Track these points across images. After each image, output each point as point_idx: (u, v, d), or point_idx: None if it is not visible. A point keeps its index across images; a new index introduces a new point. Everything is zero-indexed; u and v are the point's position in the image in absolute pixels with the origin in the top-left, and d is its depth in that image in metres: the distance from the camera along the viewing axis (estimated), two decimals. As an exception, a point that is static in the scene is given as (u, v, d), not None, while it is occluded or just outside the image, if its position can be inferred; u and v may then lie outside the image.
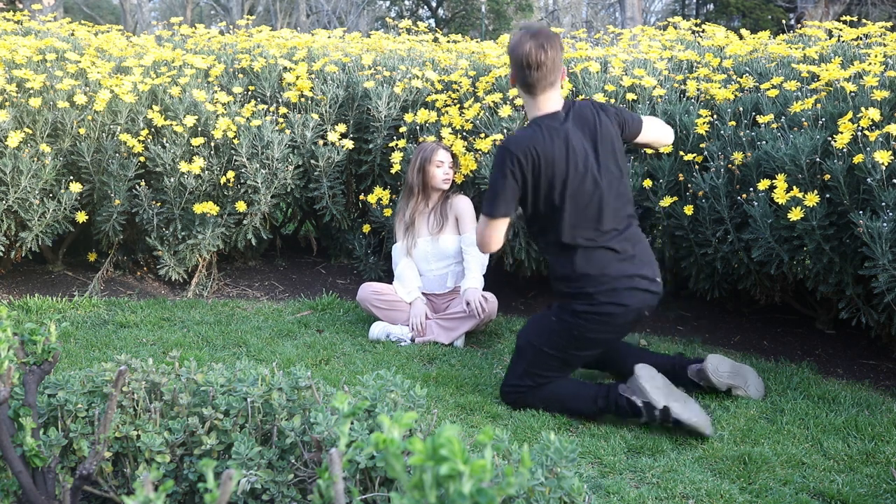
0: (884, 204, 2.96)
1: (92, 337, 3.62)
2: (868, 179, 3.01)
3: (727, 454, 2.61)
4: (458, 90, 4.49)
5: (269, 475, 1.65)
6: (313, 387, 1.77)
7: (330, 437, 1.60)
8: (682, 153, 3.69)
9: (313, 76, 4.68)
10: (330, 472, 1.00)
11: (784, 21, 19.63)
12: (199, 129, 4.26)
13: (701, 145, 3.67)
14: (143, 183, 4.18)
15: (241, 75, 4.78)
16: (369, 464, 1.54)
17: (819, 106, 3.37)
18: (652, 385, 2.77)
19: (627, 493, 2.32)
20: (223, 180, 4.13)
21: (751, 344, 3.76)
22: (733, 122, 3.65)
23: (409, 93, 4.50)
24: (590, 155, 2.81)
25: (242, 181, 4.20)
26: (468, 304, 3.65)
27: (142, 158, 4.22)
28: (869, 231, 2.95)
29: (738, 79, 3.95)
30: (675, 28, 5.18)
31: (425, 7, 27.89)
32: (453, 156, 3.93)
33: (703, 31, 5.02)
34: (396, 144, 4.26)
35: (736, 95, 3.80)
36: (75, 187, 4.09)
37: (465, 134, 4.15)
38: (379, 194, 4.28)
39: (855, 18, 5.05)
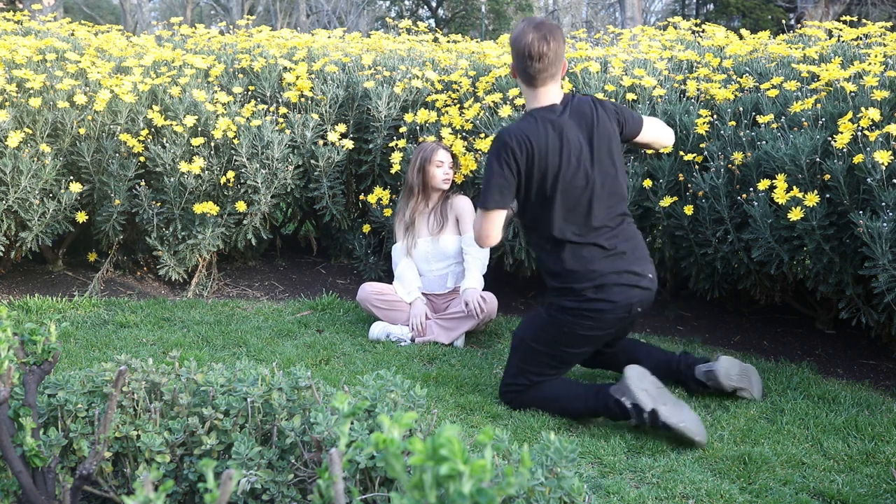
0: (884, 204, 2.96)
1: (92, 337, 3.62)
2: (868, 179, 3.01)
3: (727, 454, 2.61)
4: (458, 90, 4.49)
5: (269, 475, 1.65)
6: (313, 387, 1.77)
7: (330, 437, 1.60)
8: (682, 153, 3.69)
9: (313, 76, 4.68)
10: (330, 472, 1.00)
11: (784, 21, 19.64)
12: (199, 129, 4.26)
13: (701, 145, 3.67)
14: (143, 183, 4.18)
15: (241, 75, 4.78)
16: (369, 464, 1.54)
17: (819, 106, 3.37)
18: (639, 387, 2.70)
19: (627, 493, 2.32)
20: (223, 180, 4.13)
21: (751, 344, 3.76)
22: (733, 122, 3.65)
23: (409, 93, 4.50)
24: (584, 150, 2.80)
25: (242, 181, 4.20)
26: (467, 304, 3.65)
27: (142, 158, 4.22)
28: (869, 231, 2.95)
29: (738, 79, 3.95)
30: (675, 28, 5.18)
31: (425, 7, 27.89)
32: (453, 156, 3.93)
33: (703, 31, 5.02)
34: (396, 144, 4.26)
35: (736, 95, 3.80)
36: (75, 187, 4.09)
37: (465, 134, 4.15)
38: (379, 194, 4.28)
39: (855, 18, 5.05)
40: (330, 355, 3.46)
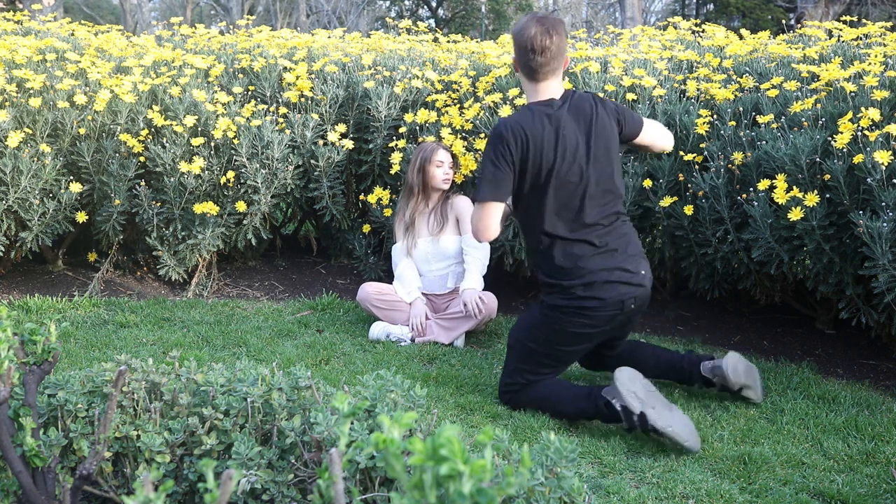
0: (884, 204, 2.96)
1: (92, 337, 3.62)
2: (868, 179, 3.02)
3: (727, 454, 2.61)
4: (458, 90, 4.50)
5: (269, 475, 1.65)
6: (313, 387, 1.77)
7: (330, 437, 1.60)
8: (682, 153, 3.69)
9: (313, 76, 4.68)
10: (330, 472, 1.00)
11: (784, 21, 19.64)
12: (199, 129, 4.26)
13: (701, 145, 3.67)
14: (143, 183, 4.18)
15: (241, 75, 4.78)
16: (369, 464, 1.54)
17: (819, 106, 3.37)
18: (629, 389, 2.66)
19: (627, 493, 2.32)
20: (223, 180, 4.13)
21: (751, 344, 3.76)
22: (733, 122, 3.65)
23: (409, 93, 4.50)
24: (581, 146, 2.78)
25: (242, 181, 4.20)
26: (465, 305, 3.66)
27: (142, 158, 4.22)
28: (869, 231, 2.95)
29: (738, 79, 3.95)
30: (675, 28, 5.18)
31: (425, 7, 27.89)
32: (453, 156, 3.93)
33: (703, 31, 5.02)
34: (396, 145, 4.26)
35: (736, 95, 3.80)
36: (75, 187, 4.09)
37: (465, 134, 4.15)
38: (379, 194, 4.28)
39: (855, 18, 5.05)
40: (330, 355, 3.46)
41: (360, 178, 4.70)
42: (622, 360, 2.99)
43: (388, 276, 4.32)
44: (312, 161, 4.38)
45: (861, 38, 4.19)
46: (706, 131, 3.67)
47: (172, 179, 4.12)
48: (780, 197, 3.14)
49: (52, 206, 4.07)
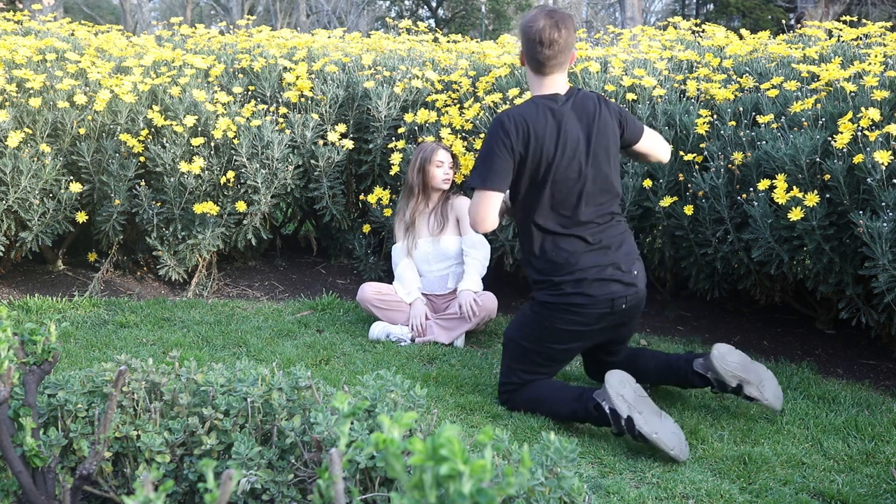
0: (884, 204, 2.96)
1: (92, 337, 3.62)
2: (868, 179, 3.02)
3: (727, 454, 2.61)
4: (458, 90, 4.50)
5: (269, 475, 1.65)
6: (313, 387, 1.77)
7: (330, 437, 1.60)
8: (682, 153, 3.69)
9: (313, 76, 4.68)
10: (330, 472, 1.00)
11: (784, 21, 19.64)
12: (199, 129, 4.26)
13: (701, 145, 3.67)
14: (143, 183, 4.18)
15: (241, 75, 4.78)
16: (369, 464, 1.54)
17: (819, 106, 3.37)
18: (617, 392, 2.62)
19: (627, 493, 2.32)
20: (223, 180, 4.14)
21: (751, 344, 3.76)
22: (733, 122, 3.65)
23: (409, 93, 4.50)
24: (581, 143, 2.77)
25: (242, 181, 4.20)
26: (459, 307, 3.66)
27: (142, 158, 4.22)
28: (869, 231, 2.95)
29: (738, 79, 3.96)
30: (675, 28, 5.18)
31: (425, 7, 27.89)
32: (453, 156, 3.93)
33: (703, 31, 5.02)
34: (396, 145, 4.26)
35: (736, 95, 3.80)
36: (75, 187, 4.09)
37: (465, 134, 4.15)
38: (379, 194, 4.28)
39: (855, 18, 5.05)
40: (330, 355, 3.46)
41: (360, 178, 4.70)
42: (623, 367, 2.93)
43: (388, 276, 4.32)
44: (312, 161, 4.38)
45: (861, 38, 4.19)
46: (706, 131, 3.67)
47: (172, 179, 4.12)
48: (780, 197, 3.14)
49: (52, 206, 4.07)
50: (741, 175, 3.48)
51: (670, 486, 2.38)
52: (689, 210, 3.56)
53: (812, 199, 3.10)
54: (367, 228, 4.54)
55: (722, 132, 3.61)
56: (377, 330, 3.75)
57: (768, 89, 3.64)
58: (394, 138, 4.40)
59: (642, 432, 2.54)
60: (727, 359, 2.79)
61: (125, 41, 5.23)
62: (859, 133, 3.10)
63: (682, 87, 4.08)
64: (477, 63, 4.80)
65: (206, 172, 4.14)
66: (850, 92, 3.36)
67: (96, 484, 1.72)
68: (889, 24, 4.27)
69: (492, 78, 4.35)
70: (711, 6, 25.84)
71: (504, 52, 4.97)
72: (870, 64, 3.49)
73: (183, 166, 4.02)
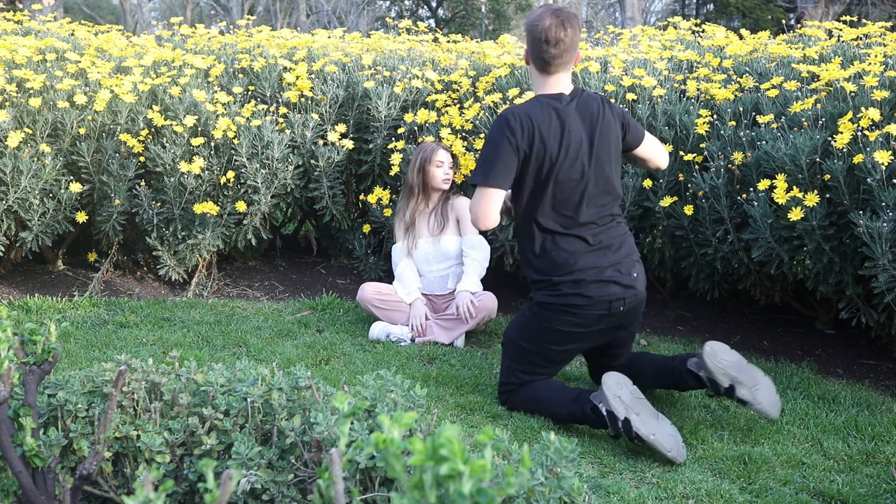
0: (884, 204, 2.96)
1: (92, 337, 3.62)
2: (868, 179, 3.02)
3: (727, 454, 2.61)
4: (458, 90, 4.50)
5: (269, 475, 1.65)
6: (313, 387, 1.77)
7: (330, 437, 1.60)
8: (682, 153, 3.69)
9: (313, 76, 4.68)
10: (330, 472, 1.00)
11: (784, 21, 19.64)
12: (199, 129, 4.26)
13: (701, 145, 3.67)
14: (143, 183, 4.18)
15: (241, 75, 4.79)
16: (369, 464, 1.54)
17: (819, 106, 3.37)
18: (615, 394, 2.61)
19: (627, 493, 2.32)
20: (223, 180, 4.14)
21: (751, 344, 3.76)
22: (733, 122, 3.65)
23: (409, 93, 4.50)
24: (584, 144, 2.77)
25: (242, 181, 4.20)
26: (457, 308, 3.66)
27: (142, 158, 4.22)
28: (869, 231, 2.95)
29: (738, 79, 3.96)
30: (675, 28, 5.18)
31: (425, 7, 27.89)
32: (453, 156, 3.93)
33: (703, 31, 5.02)
34: (396, 146, 4.26)
35: (736, 95, 3.80)
36: (75, 187, 4.09)
37: (465, 134, 4.15)
38: (379, 194, 4.28)
39: (855, 18, 5.05)
40: (330, 355, 3.46)
41: (360, 178, 4.70)
42: (624, 370, 2.91)
43: (388, 276, 4.33)
44: (312, 161, 4.38)
45: (861, 38, 4.19)
46: (706, 131, 3.67)
47: (172, 179, 4.12)
48: (780, 197, 3.14)
49: (52, 206, 4.07)
50: (741, 175, 3.48)
51: (670, 486, 2.38)
52: (689, 210, 3.56)
53: (812, 199, 3.10)
54: (367, 228, 4.54)
55: (722, 132, 3.61)
56: (377, 330, 3.75)
57: (768, 89, 3.64)
58: (394, 138, 4.40)
59: (639, 434, 2.53)
60: (719, 356, 2.74)
61: (125, 41, 5.23)
62: (859, 133, 3.10)
63: (682, 87, 4.08)
64: (477, 63, 4.80)
65: (206, 172, 4.14)
66: (850, 92, 3.36)
67: (96, 484, 1.72)
68: (889, 24, 4.27)
69: (492, 78, 4.35)
70: (711, 6, 25.84)
71: (504, 52, 4.97)
72: (870, 64, 3.49)
73: (183, 166, 4.02)
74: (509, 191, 2.85)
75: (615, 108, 2.88)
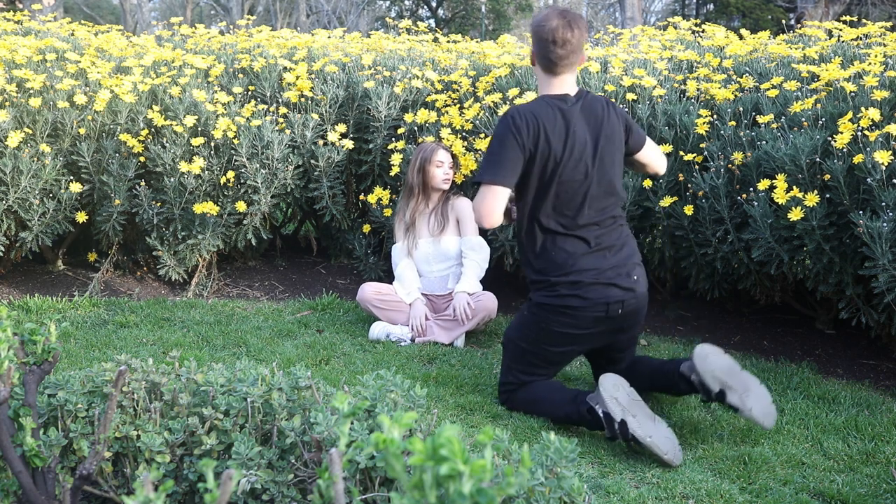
0: (884, 204, 2.96)
1: (92, 337, 3.62)
2: (868, 179, 3.02)
3: (727, 454, 2.61)
4: (458, 90, 4.50)
5: (269, 475, 1.65)
6: (313, 387, 1.77)
7: (330, 437, 1.60)
8: (682, 153, 3.69)
9: (313, 76, 4.68)
10: (330, 472, 1.00)
11: (784, 21, 19.64)
12: (199, 129, 4.26)
13: (701, 145, 3.67)
14: (143, 183, 4.18)
15: (241, 75, 4.79)
16: (369, 464, 1.54)
17: (819, 106, 3.37)
18: (611, 395, 2.60)
19: (627, 493, 2.32)
20: (223, 180, 4.14)
21: (751, 344, 3.76)
22: (733, 122, 3.65)
23: (409, 93, 4.50)
24: (588, 145, 2.77)
25: (242, 181, 4.20)
26: (454, 309, 3.66)
27: (142, 158, 4.22)
28: (869, 231, 2.95)
29: (738, 79, 3.96)
30: (675, 28, 5.18)
31: (425, 7, 27.89)
32: (453, 156, 3.92)
33: (703, 31, 5.02)
34: (396, 146, 4.26)
35: (736, 95, 3.80)
36: (75, 187, 4.09)
37: (465, 134, 4.15)
38: (379, 194, 4.28)
39: (855, 18, 5.05)
40: (330, 355, 3.46)
41: (360, 178, 4.70)
42: (623, 374, 2.88)
43: (388, 276, 4.32)
44: (312, 161, 4.38)
45: (861, 38, 4.19)
46: (706, 131, 3.67)
47: (172, 179, 4.12)
48: (780, 197, 3.14)
49: (52, 206, 4.07)
50: (741, 175, 3.48)
51: (670, 486, 2.38)
52: (689, 210, 3.56)
53: (812, 199, 3.10)
54: (367, 228, 4.54)
55: (722, 132, 3.61)
56: (377, 330, 3.75)
57: (768, 89, 3.64)
58: (394, 138, 4.40)
59: (636, 436, 2.52)
60: (709, 359, 2.68)
61: (125, 41, 5.23)
62: (859, 133, 3.10)
63: (682, 87, 4.08)
64: (477, 63, 4.80)
65: (206, 172, 4.14)
66: (850, 92, 3.36)
67: (96, 484, 1.72)
68: (889, 24, 4.27)
69: (492, 78, 4.35)
70: (711, 6, 25.84)
71: (504, 52, 4.97)
72: (870, 64, 3.49)
73: (183, 166, 4.02)
74: (512, 193, 2.85)
75: (620, 111, 2.88)
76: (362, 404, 1.20)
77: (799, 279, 3.57)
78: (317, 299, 4.28)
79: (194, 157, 4.10)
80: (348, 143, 4.39)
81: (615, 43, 5.55)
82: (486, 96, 4.17)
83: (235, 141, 4.16)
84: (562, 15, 2.75)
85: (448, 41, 5.77)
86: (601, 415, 2.60)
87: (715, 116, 3.80)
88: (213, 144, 4.20)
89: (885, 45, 3.94)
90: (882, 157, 2.93)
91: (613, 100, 3.91)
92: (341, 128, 4.42)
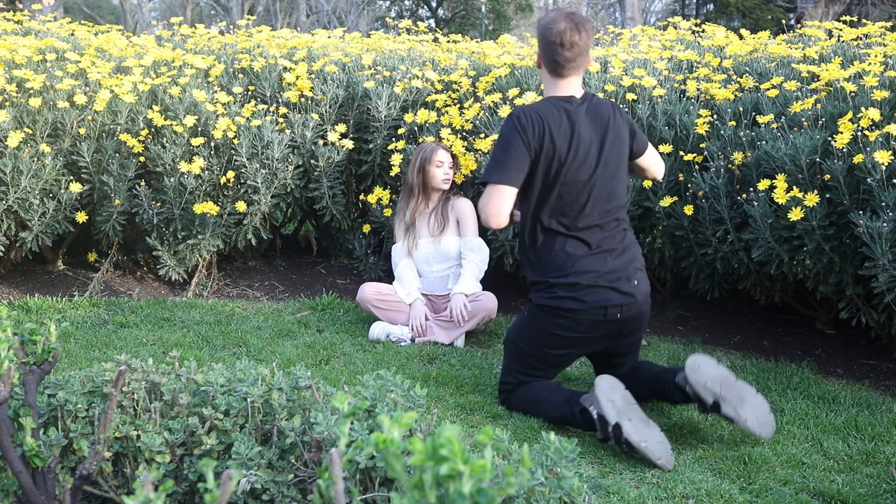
0: (884, 204, 2.96)
1: (92, 337, 3.62)
2: (868, 179, 3.02)
3: (727, 454, 2.61)
4: (458, 90, 4.50)
5: (269, 475, 1.65)
6: (313, 387, 1.77)
7: (330, 437, 1.60)
8: (682, 153, 3.69)
9: (313, 76, 4.68)
10: (330, 472, 1.00)
11: (784, 21, 19.64)
12: (199, 129, 4.26)
13: (701, 145, 3.67)
14: (143, 183, 4.18)
15: (241, 75, 4.79)
16: (369, 464, 1.54)
17: (819, 106, 3.37)
18: (608, 398, 2.58)
19: (627, 493, 2.32)
20: (223, 180, 4.14)
21: (751, 344, 3.76)
22: (733, 122, 3.65)
23: (409, 93, 4.50)
24: (593, 147, 2.77)
25: (242, 181, 4.20)
26: (450, 311, 3.66)
27: (142, 158, 4.22)
28: (869, 231, 2.95)
29: (738, 79, 3.96)
30: (675, 28, 5.18)
31: (425, 7, 27.89)
32: (453, 156, 3.92)
33: (703, 31, 5.02)
34: (396, 146, 4.26)
35: (736, 95, 3.80)
36: (75, 187, 4.09)
37: (465, 134, 4.15)
38: (379, 194, 4.28)
39: (855, 18, 5.05)
40: (330, 355, 3.46)
41: (360, 178, 4.70)
42: (623, 378, 2.84)
43: (388, 276, 4.32)
44: (312, 161, 4.38)
45: (861, 38, 4.19)
46: (706, 131, 3.67)
47: (172, 179, 4.12)
48: (780, 197, 3.14)
49: (52, 206, 4.07)
50: (741, 175, 3.48)
51: (670, 486, 2.38)
52: (689, 210, 3.56)
53: (812, 199, 3.10)
54: (367, 228, 4.54)
55: (722, 132, 3.61)
56: (377, 330, 3.75)
57: (768, 89, 3.64)
58: (394, 138, 4.40)
59: (630, 440, 2.51)
60: (701, 369, 2.65)
61: (125, 41, 5.23)
62: (859, 133, 3.10)
63: (682, 87, 4.08)
64: (477, 63, 4.80)
65: (206, 172, 4.14)
66: (850, 92, 3.36)
67: (96, 484, 1.72)
68: (889, 24, 4.28)
69: (492, 78, 4.35)
70: (711, 6, 25.84)
71: (504, 52, 4.97)
72: (870, 64, 3.49)
73: (183, 166, 4.02)
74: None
75: (624, 114, 2.88)
76: (362, 404, 1.20)
77: (799, 279, 3.57)
78: (317, 299, 4.28)
79: (194, 157, 4.10)
80: (348, 143, 4.39)
81: (615, 43, 5.55)
82: (486, 96, 4.17)
83: (235, 141, 4.16)
84: (569, 18, 2.75)
85: (448, 41, 5.77)
86: (595, 417, 2.59)
87: (715, 116, 3.80)
88: (213, 144, 4.20)
89: (885, 45, 3.94)
90: (882, 157, 2.93)
91: (613, 100, 3.91)
92: (341, 128, 4.42)
